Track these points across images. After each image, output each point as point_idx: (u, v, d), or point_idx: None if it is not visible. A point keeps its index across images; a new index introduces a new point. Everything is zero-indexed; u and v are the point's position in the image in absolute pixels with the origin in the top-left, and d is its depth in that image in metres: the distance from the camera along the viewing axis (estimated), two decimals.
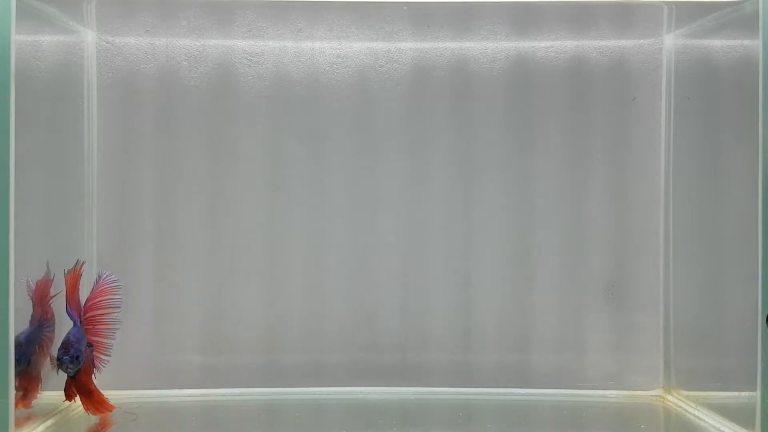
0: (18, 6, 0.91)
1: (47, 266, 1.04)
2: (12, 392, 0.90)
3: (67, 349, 1.00)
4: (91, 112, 1.20)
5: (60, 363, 1.00)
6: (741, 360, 0.97)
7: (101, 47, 1.20)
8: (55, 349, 1.02)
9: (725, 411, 1.05)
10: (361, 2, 1.07)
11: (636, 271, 1.24)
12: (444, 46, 1.23)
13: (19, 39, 0.93)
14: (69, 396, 1.04)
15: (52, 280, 1.04)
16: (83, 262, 1.04)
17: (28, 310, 1.02)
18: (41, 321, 1.04)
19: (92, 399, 1.04)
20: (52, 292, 1.04)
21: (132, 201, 1.22)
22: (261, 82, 1.22)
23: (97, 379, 1.05)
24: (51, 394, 1.06)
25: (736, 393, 1.01)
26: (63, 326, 1.05)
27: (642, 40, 1.23)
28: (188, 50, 1.21)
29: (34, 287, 1.02)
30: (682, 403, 1.16)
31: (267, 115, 1.22)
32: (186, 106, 1.22)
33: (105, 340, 1.05)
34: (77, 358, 1.00)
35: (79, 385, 1.03)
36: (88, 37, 1.19)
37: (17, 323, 0.92)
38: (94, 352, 1.05)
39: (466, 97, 1.23)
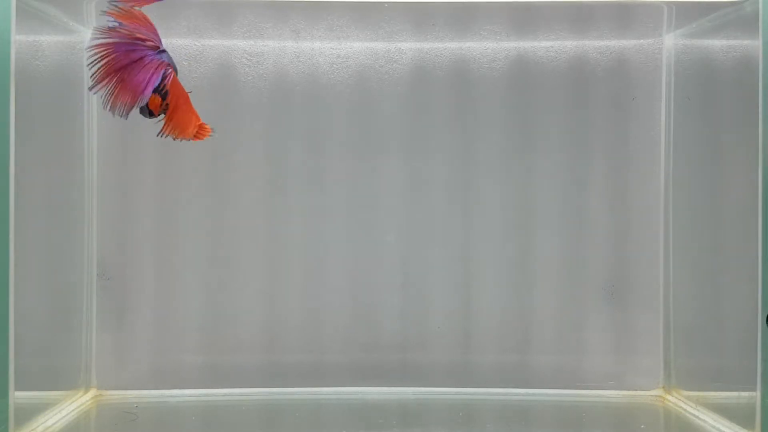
0: (18, 6, 0.92)
1: None
2: (12, 391, 0.90)
3: None
4: (91, 112, 1.20)
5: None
6: (741, 360, 0.97)
7: None
8: None
9: (725, 411, 1.05)
10: (361, 2, 1.07)
11: (636, 271, 1.24)
12: (444, 46, 1.23)
13: (19, 39, 0.94)
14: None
15: None
16: None
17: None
18: None
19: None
20: None
21: (132, 201, 1.22)
22: (261, 82, 1.22)
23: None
24: (53, 394, 1.06)
25: (736, 393, 1.01)
26: None
27: (642, 40, 1.23)
28: (188, 50, 1.21)
29: None
30: (682, 403, 1.16)
31: (267, 115, 1.22)
32: None
33: None
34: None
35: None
36: (88, 37, 1.19)
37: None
38: None
39: (465, 97, 1.23)
